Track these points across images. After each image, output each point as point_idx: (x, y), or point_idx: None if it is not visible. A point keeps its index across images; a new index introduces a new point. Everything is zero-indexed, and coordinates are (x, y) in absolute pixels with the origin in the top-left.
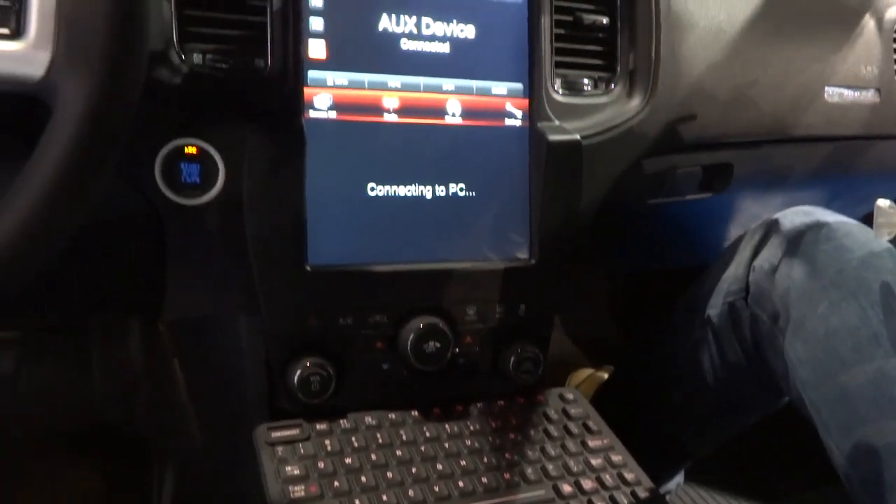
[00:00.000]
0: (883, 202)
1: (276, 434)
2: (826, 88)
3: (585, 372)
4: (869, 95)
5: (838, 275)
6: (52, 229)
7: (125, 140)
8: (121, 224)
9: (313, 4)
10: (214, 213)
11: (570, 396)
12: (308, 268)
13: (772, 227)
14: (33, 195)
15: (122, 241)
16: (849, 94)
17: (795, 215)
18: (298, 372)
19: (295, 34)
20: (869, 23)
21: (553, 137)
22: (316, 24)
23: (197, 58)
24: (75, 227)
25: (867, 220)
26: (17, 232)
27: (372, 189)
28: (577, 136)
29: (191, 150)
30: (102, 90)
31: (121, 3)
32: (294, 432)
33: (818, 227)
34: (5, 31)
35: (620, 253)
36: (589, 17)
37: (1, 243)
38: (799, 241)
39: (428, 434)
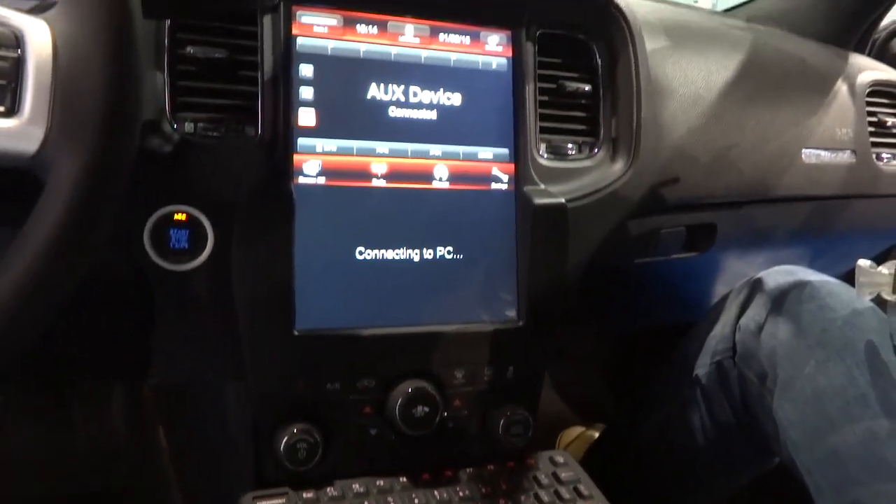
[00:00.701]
0: (864, 262)
1: (263, 503)
2: (803, 150)
3: (576, 430)
4: (845, 156)
5: (823, 334)
6: (42, 298)
7: (115, 211)
8: (106, 288)
9: (303, 74)
10: (202, 278)
11: (560, 459)
12: (296, 332)
13: (756, 287)
14: (25, 265)
15: (107, 305)
16: (826, 155)
17: (779, 274)
18: (285, 439)
19: (285, 103)
20: (842, 87)
21: (539, 201)
22: (306, 93)
23: (189, 126)
24: (67, 293)
25: (848, 277)
26: (10, 299)
27: (360, 253)
28: (563, 200)
29: (180, 216)
30: (94, 165)
31: (114, 82)
32: (280, 501)
33: (801, 286)
34: (0, 109)
35: (608, 311)
36: (571, 85)
37: None
38: (783, 301)
39: (417, 501)
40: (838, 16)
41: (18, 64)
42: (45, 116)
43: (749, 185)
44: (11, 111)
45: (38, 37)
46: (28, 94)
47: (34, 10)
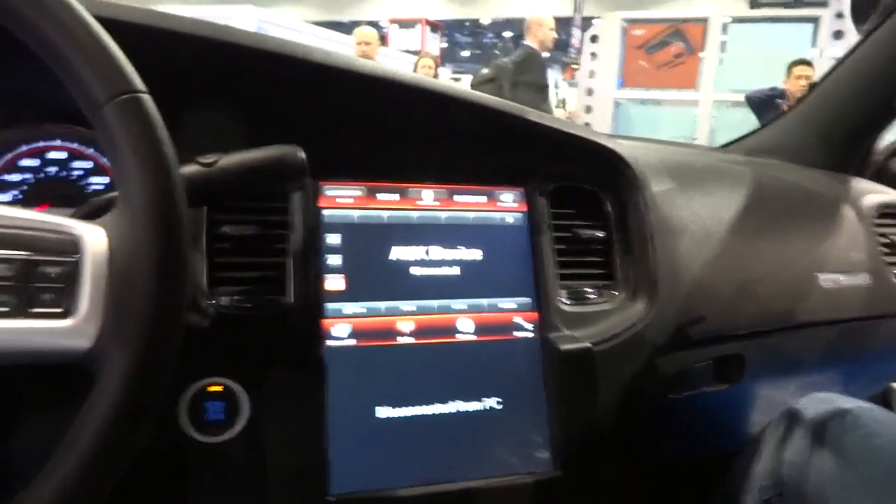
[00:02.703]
0: None
1: None
2: (820, 276)
3: None
4: (862, 279)
5: (873, 466)
6: (93, 491)
7: (163, 399)
8: (137, 463)
9: (331, 243)
10: (238, 448)
11: None
12: (331, 498)
13: (794, 418)
14: (77, 460)
15: (138, 481)
16: (843, 279)
17: (816, 403)
18: None
19: (315, 271)
20: (849, 212)
21: (564, 347)
22: (334, 260)
23: (224, 300)
24: (114, 484)
25: (886, 398)
26: (61, 495)
27: (391, 412)
28: (588, 344)
29: (216, 388)
30: (145, 361)
31: (164, 282)
32: None
33: (841, 415)
34: (57, 310)
35: (643, 448)
36: (586, 233)
37: None
38: (825, 432)
39: None
40: (833, 145)
41: (76, 268)
42: (99, 315)
43: (771, 314)
44: (68, 311)
45: (95, 242)
46: (84, 295)
47: (91, 215)
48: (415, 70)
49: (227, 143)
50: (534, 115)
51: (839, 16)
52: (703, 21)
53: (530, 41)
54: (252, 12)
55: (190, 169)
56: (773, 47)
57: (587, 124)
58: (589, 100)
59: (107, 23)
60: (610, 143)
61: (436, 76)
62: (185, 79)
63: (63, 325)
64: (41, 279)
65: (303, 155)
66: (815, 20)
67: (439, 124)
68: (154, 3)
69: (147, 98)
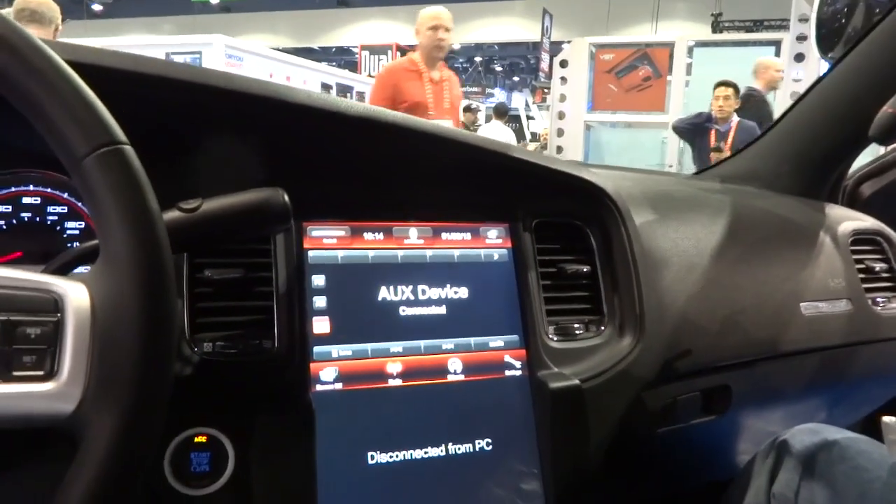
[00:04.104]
0: (889, 419)
1: None
2: (801, 304)
3: None
4: (842, 305)
5: (862, 499)
6: None
7: (151, 460)
8: None
9: (316, 284)
10: (223, 501)
11: None
12: None
13: (783, 449)
14: None
15: None
16: (824, 306)
17: (804, 434)
18: None
19: (300, 314)
20: (825, 239)
21: (554, 385)
22: (319, 302)
23: (207, 346)
24: None
25: (868, 424)
26: None
27: (381, 457)
28: (577, 381)
29: (201, 438)
30: (132, 424)
31: (150, 339)
32: None
33: (830, 446)
34: (39, 372)
35: (635, 480)
36: (571, 267)
37: None
38: (814, 464)
39: None
40: (805, 172)
41: (57, 328)
42: (82, 377)
43: (756, 343)
44: (50, 374)
45: (77, 300)
46: (67, 357)
47: (68, 266)
48: None
49: (209, 185)
50: (517, 151)
51: (800, 39)
52: (669, 45)
53: (757, 83)
54: (222, 40)
55: (173, 215)
56: (737, 69)
57: (559, 147)
58: (560, 123)
59: (83, 68)
60: (593, 178)
61: None
62: (165, 122)
63: (45, 388)
64: (22, 341)
65: (286, 198)
66: (777, 43)
67: (423, 163)
68: (124, 31)
69: (128, 149)
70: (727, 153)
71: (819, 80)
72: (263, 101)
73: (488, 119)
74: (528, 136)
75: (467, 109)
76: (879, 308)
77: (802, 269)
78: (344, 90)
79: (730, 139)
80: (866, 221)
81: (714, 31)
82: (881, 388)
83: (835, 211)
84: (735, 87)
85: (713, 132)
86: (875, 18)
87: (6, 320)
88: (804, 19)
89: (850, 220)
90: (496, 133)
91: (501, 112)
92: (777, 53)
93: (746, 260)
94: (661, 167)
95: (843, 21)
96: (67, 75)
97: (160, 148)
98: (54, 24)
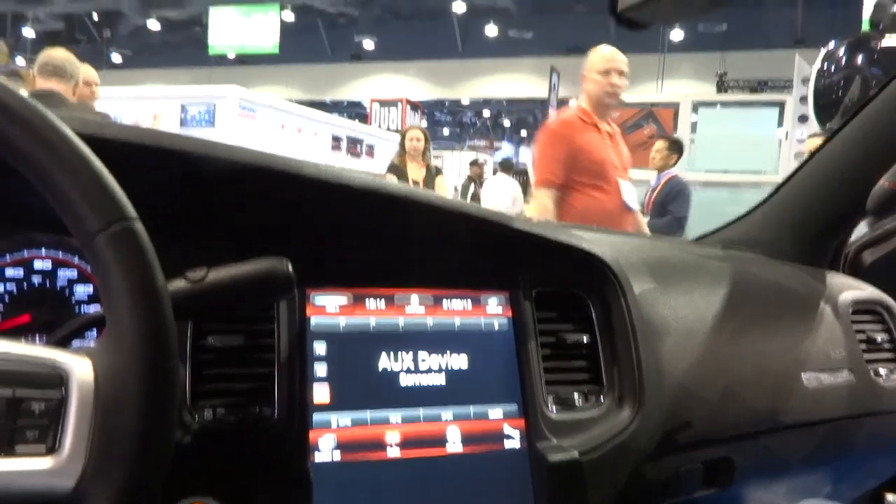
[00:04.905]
0: (894, 497)
1: None
2: (803, 374)
3: None
4: (844, 377)
5: None
6: None
7: None
8: None
9: (317, 352)
10: None
11: None
12: None
13: None
14: None
15: None
16: (825, 378)
17: None
18: None
19: (301, 382)
20: (826, 308)
21: (552, 458)
22: (320, 370)
23: (208, 413)
24: None
25: (871, 500)
26: None
27: None
28: (576, 454)
29: None
30: (129, 498)
31: (153, 420)
32: None
33: None
34: (41, 447)
35: None
36: (571, 337)
37: None
38: None
39: None
40: (806, 239)
41: (61, 404)
42: (83, 453)
43: (757, 415)
44: (52, 449)
45: (81, 374)
46: (69, 432)
47: (75, 334)
48: (403, 140)
49: (215, 251)
50: (517, 221)
51: (803, 100)
52: (674, 105)
53: None
54: (236, 92)
55: (179, 285)
56: (741, 128)
57: None
58: None
59: (95, 142)
60: (592, 247)
61: (426, 149)
62: (172, 192)
63: (47, 464)
64: (26, 416)
65: (290, 268)
66: (780, 104)
67: (425, 232)
68: (142, 81)
69: (138, 226)
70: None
71: (819, 148)
72: (269, 174)
73: (495, 172)
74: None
75: (474, 163)
76: (882, 379)
77: (803, 339)
78: (354, 142)
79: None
80: (867, 291)
81: (719, 91)
82: (886, 462)
83: (835, 279)
84: (672, 140)
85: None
86: (871, 91)
87: (11, 397)
88: (808, 80)
89: (850, 290)
90: (502, 185)
91: (507, 166)
92: (781, 114)
93: (747, 329)
94: None
95: (840, 93)
96: (80, 151)
97: (167, 216)
98: (75, 78)
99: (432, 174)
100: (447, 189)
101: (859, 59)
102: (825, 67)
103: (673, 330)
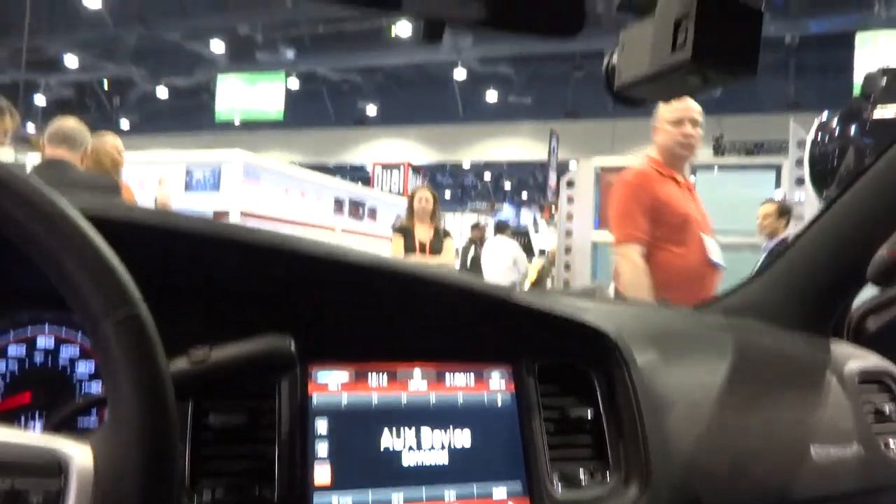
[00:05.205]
0: None
1: None
2: (812, 447)
3: None
4: (854, 450)
5: None
6: None
7: None
8: None
9: (319, 431)
10: None
11: None
12: None
13: None
14: None
15: None
16: (834, 451)
17: None
18: None
19: (302, 461)
20: (832, 379)
21: None
22: (322, 449)
23: (207, 495)
24: None
25: None
26: None
27: None
28: None
29: None
30: None
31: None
32: None
33: None
34: None
35: None
36: (575, 412)
37: None
38: None
39: None
40: (809, 306)
41: (59, 495)
42: None
43: (767, 491)
44: None
45: (81, 462)
46: None
47: (76, 414)
48: (411, 201)
49: (217, 328)
50: (518, 296)
51: (799, 163)
52: None
53: None
54: (240, 156)
55: (180, 365)
56: (740, 191)
57: (566, 264)
58: (568, 241)
59: (101, 223)
60: (594, 321)
61: (434, 209)
62: (177, 271)
63: None
64: None
65: (293, 346)
66: (777, 167)
67: (427, 307)
68: (149, 146)
69: (144, 313)
70: None
71: (818, 216)
72: (273, 252)
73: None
74: (537, 252)
75: (475, 226)
76: (893, 452)
77: (811, 410)
78: (356, 205)
79: None
80: (873, 360)
81: (716, 153)
82: None
83: (840, 348)
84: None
85: None
86: (866, 159)
87: (10, 489)
88: (803, 144)
89: (856, 359)
90: (501, 247)
91: (502, 228)
92: (778, 177)
93: (753, 401)
94: None
95: (835, 162)
96: (87, 235)
97: (170, 292)
98: (84, 146)
99: (441, 236)
100: (454, 254)
101: (852, 129)
102: (819, 137)
103: (678, 403)
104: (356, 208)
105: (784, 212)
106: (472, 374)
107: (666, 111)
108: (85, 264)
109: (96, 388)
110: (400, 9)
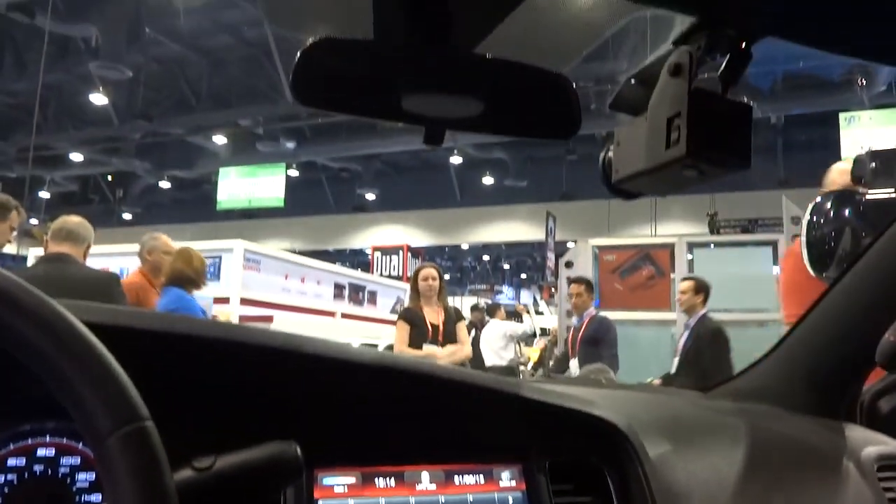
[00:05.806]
0: None
1: None
2: None
3: None
4: None
5: None
6: None
7: None
8: None
9: None
10: None
11: None
12: None
13: None
14: None
15: None
16: None
17: None
18: None
19: None
20: (849, 466)
21: None
22: None
23: None
24: None
25: None
26: None
27: None
28: None
29: None
30: None
31: None
32: None
33: None
34: None
35: None
36: None
37: None
38: None
39: None
40: (819, 389)
41: None
42: None
43: None
44: None
45: None
46: None
47: None
48: (415, 281)
49: (222, 434)
50: (527, 390)
51: (794, 239)
52: (669, 246)
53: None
54: (241, 245)
55: (185, 475)
56: (738, 267)
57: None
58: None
59: (105, 330)
60: (604, 413)
61: (441, 288)
62: (181, 377)
63: None
64: None
65: (299, 452)
66: (773, 243)
67: (433, 405)
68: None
69: (150, 427)
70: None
71: (820, 299)
72: (275, 353)
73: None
74: (539, 332)
75: (475, 308)
76: None
77: (830, 499)
78: (356, 290)
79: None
80: (891, 446)
81: (711, 230)
82: None
83: (855, 433)
84: (587, 282)
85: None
86: (863, 241)
87: None
88: (797, 220)
89: (872, 445)
90: (494, 330)
91: (491, 311)
92: (775, 253)
93: (771, 491)
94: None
95: (832, 244)
96: (92, 347)
97: (174, 399)
98: (87, 242)
99: (452, 317)
100: (468, 337)
101: (846, 211)
102: (815, 220)
103: (694, 495)
104: (356, 293)
105: (700, 288)
106: (481, 475)
107: (835, 178)
108: (89, 377)
109: (96, 499)
110: (402, 118)
